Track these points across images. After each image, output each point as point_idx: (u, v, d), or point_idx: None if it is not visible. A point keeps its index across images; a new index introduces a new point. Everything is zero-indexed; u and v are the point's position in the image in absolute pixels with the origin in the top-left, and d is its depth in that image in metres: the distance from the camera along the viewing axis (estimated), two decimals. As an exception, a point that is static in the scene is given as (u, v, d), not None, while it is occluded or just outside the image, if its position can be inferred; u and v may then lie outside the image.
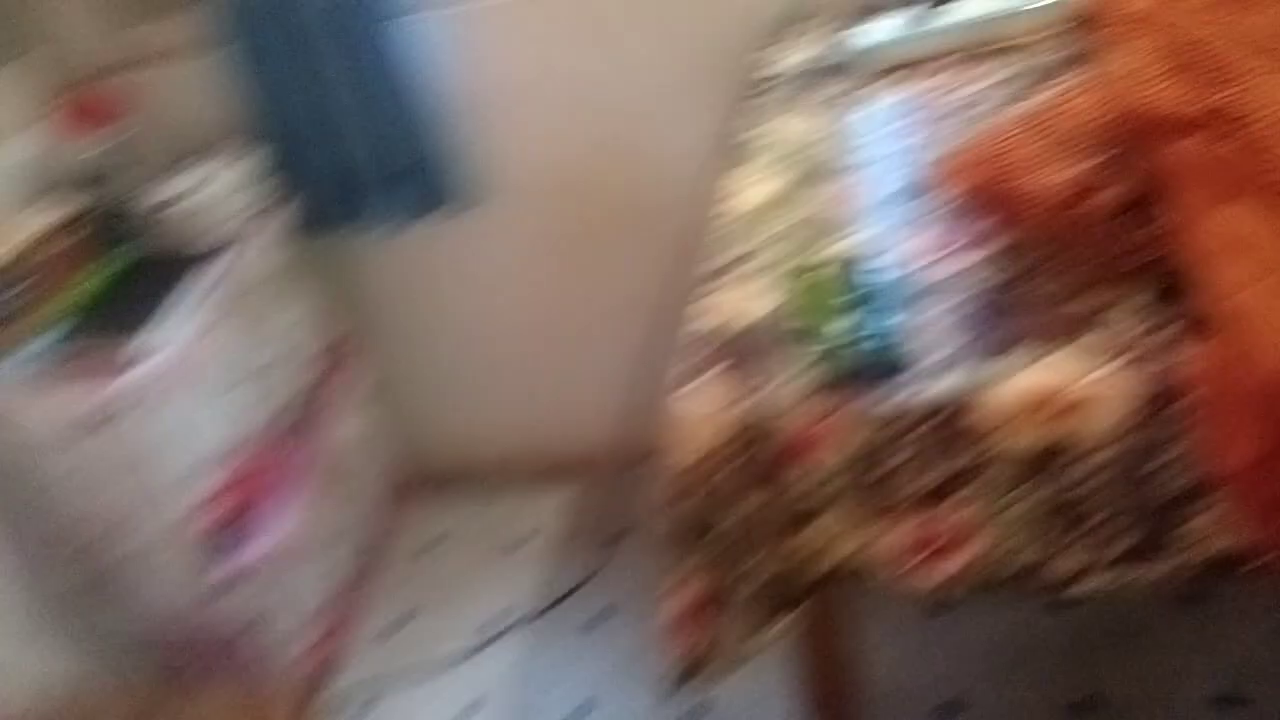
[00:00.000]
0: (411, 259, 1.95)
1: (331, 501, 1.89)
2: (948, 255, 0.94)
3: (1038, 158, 0.89)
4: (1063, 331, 0.81)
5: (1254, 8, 1.20)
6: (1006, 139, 0.93)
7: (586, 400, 2.07)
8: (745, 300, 0.96)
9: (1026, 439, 0.78)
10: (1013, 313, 0.84)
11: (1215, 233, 0.77)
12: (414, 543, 2.12)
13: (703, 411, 0.85)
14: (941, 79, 1.28)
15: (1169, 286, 0.81)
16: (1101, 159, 0.86)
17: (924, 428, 0.79)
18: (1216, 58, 0.89)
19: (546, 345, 2.05)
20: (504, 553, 2.04)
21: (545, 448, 2.17)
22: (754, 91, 1.42)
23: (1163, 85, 0.87)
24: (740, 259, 1.03)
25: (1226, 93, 0.85)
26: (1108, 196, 0.84)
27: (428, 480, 2.21)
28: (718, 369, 0.88)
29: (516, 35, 1.74)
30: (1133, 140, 0.86)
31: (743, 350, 0.89)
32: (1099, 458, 0.79)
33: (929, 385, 0.80)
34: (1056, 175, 0.85)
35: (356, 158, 1.75)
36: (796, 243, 1.03)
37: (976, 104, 1.20)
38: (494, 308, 2.02)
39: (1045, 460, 0.79)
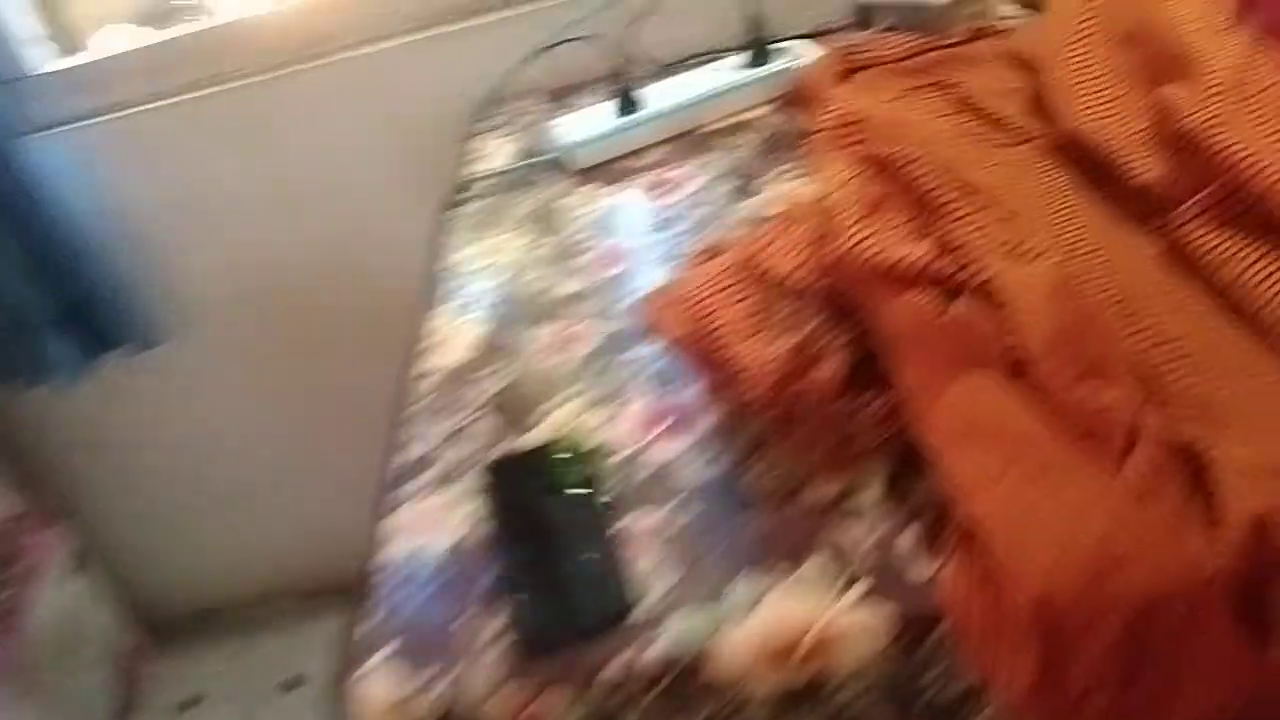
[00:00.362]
0: (101, 407, 1.67)
1: (51, 691, 1.61)
2: (665, 431, 0.81)
3: (747, 319, 0.76)
4: (794, 545, 0.68)
5: (967, 72, 1.12)
6: (710, 287, 0.80)
7: (339, 518, 1.84)
8: (439, 515, 0.80)
9: (774, 683, 0.66)
10: (736, 518, 0.72)
11: (948, 414, 0.66)
12: (165, 710, 1.85)
13: (387, 700, 0.68)
14: (654, 177, 1.16)
15: (907, 469, 0.71)
16: (818, 320, 0.74)
17: (654, 690, 0.66)
18: (941, 173, 0.77)
19: (282, 469, 1.82)
20: (270, 704, 1.81)
21: (300, 577, 1.94)
22: (457, 196, 1.25)
23: (876, 222, 0.75)
24: (442, 443, 0.87)
25: (950, 226, 0.73)
26: (829, 368, 0.72)
27: (171, 637, 1.94)
28: (404, 638, 0.71)
29: (184, 143, 1.49)
30: (848, 293, 0.75)
31: (433, 601, 0.73)
32: (857, 686, 0.67)
33: (651, 639, 0.66)
34: (768, 345, 0.73)
35: (5, 304, 1.46)
36: (500, 421, 0.87)
37: (693, 208, 1.08)
38: (213, 440, 1.77)
39: (799, 698, 0.67)
